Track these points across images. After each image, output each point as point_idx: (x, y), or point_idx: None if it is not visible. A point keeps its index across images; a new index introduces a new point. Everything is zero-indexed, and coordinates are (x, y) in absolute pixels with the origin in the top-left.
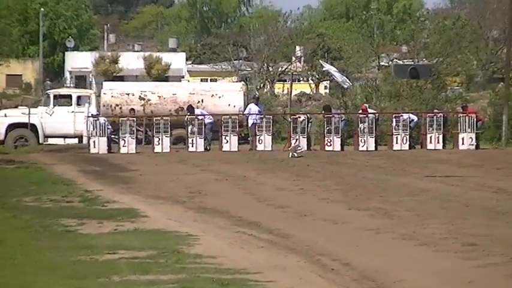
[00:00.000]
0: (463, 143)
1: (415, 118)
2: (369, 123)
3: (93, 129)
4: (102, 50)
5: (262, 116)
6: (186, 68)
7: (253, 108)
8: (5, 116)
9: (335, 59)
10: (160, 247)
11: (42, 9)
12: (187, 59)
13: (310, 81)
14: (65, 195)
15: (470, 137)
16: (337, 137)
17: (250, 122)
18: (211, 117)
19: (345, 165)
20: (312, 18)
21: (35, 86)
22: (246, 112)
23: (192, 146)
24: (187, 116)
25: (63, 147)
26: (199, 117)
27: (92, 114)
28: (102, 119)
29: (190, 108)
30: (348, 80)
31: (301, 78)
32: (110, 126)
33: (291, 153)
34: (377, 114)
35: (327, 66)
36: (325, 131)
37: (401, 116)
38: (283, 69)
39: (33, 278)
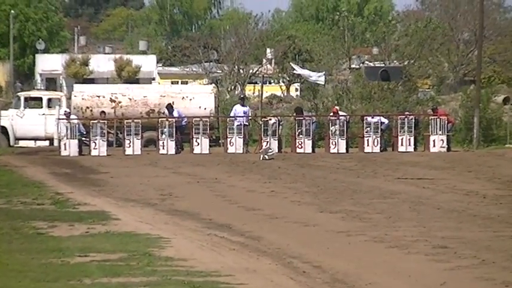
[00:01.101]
0: (434, 145)
1: (386, 121)
2: (340, 126)
3: (66, 131)
4: (72, 52)
5: (249, 117)
6: (156, 71)
7: (238, 109)
8: None
9: (306, 61)
10: (132, 250)
11: (12, 11)
12: (157, 62)
13: (281, 84)
14: (36, 197)
15: (442, 139)
16: (308, 139)
17: (235, 123)
18: (186, 119)
19: (316, 168)
20: (282, 20)
21: (6, 89)
22: (232, 114)
23: (163, 149)
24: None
25: (33, 149)
26: (175, 119)
27: (65, 111)
28: (75, 121)
29: (169, 107)
30: (320, 75)
31: (272, 81)
32: (83, 128)
33: (262, 156)
34: (348, 117)
35: (299, 71)
36: (296, 133)
37: (372, 118)
38: (254, 71)
39: (3, 281)
